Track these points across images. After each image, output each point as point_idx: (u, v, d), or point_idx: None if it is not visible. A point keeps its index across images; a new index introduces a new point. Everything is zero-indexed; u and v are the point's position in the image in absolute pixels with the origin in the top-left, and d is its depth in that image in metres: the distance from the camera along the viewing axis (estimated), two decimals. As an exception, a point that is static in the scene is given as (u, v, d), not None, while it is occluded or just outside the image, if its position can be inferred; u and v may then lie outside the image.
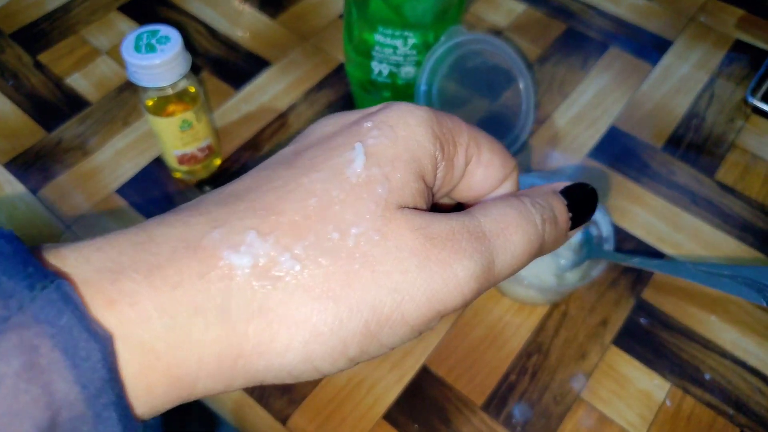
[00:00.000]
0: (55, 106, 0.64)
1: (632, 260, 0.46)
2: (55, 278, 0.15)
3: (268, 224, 0.17)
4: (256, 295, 0.17)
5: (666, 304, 0.52)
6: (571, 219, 0.22)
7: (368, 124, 0.19)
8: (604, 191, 0.58)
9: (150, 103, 0.52)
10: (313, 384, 0.48)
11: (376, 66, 0.55)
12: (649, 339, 0.50)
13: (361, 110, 0.21)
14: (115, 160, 0.60)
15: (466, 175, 0.21)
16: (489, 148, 0.21)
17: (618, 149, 0.61)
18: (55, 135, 0.61)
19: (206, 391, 0.17)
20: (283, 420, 0.46)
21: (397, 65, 0.54)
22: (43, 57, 0.67)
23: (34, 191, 0.58)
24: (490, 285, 0.19)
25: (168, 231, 0.17)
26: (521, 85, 0.51)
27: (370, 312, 0.17)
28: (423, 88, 0.51)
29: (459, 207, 0.24)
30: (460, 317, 0.51)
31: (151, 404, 0.16)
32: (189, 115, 0.53)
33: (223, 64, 0.68)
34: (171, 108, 0.53)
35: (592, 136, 0.61)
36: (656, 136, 0.62)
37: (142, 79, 0.49)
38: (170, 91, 0.52)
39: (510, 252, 0.20)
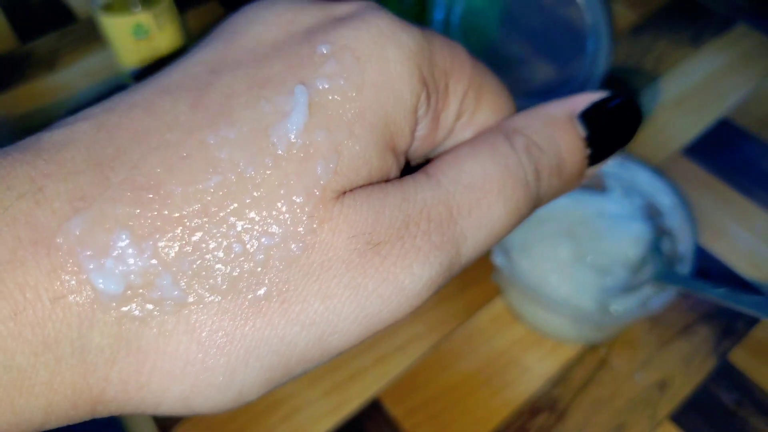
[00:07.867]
0: (40, 18, 0.55)
1: (715, 291, 0.29)
2: None
3: (148, 221, 0.12)
4: (122, 330, 0.12)
5: (769, 377, 0.33)
6: (591, 156, 0.16)
7: (323, 50, 0.13)
8: (697, 200, 0.40)
9: (104, 4, 0.41)
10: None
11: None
12: (731, 425, 0.32)
13: (322, 6, 0.14)
14: (80, 80, 0.50)
15: (450, 135, 0.15)
16: (491, 102, 0.15)
17: (727, 149, 0.43)
18: (28, 46, 0.53)
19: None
20: (164, 429, 0.33)
21: (423, -14, 0.40)
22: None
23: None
24: (450, 279, 0.14)
25: (8, 200, 0.11)
26: (588, 20, 0.35)
27: (274, 356, 0.12)
28: (438, 17, 0.36)
29: None
30: (444, 339, 0.35)
31: None
32: (145, 19, 0.41)
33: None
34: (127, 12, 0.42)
35: (693, 126, 0.44)
36: (788, 140, 0.43)
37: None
38: (128, -12, 0.41)
39: (485, 231, 0.14)
